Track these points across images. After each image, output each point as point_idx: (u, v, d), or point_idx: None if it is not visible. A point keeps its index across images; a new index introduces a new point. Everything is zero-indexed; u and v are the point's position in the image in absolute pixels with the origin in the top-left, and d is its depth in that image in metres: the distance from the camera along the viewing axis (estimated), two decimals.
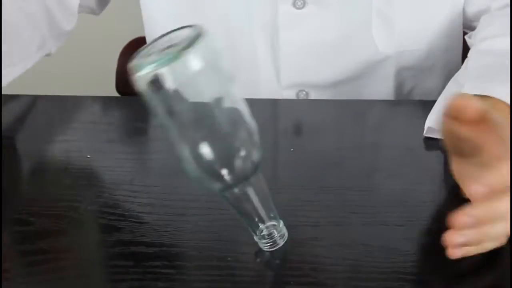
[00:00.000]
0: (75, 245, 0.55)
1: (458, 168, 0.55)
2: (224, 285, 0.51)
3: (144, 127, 0.74)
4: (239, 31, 0.81)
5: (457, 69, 0.72)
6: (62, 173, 0.65)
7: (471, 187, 0.48)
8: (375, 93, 0.83)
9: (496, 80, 0.62)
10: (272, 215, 0.52)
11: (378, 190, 0.61)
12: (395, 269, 0.51)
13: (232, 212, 0.51)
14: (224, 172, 0.49)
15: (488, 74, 0.64)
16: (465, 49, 0.80)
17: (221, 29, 0.81)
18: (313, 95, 0.84)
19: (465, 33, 0.82)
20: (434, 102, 0.67)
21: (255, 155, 0.50)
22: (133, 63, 0.47)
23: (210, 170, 0.49)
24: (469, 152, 0.51)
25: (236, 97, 0.50)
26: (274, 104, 0.77)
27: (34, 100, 0.77)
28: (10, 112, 0.74)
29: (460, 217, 0.48)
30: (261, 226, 0.51)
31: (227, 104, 0.49)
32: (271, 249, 0.52)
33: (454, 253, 0.49)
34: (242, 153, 0.49)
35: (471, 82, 0.63)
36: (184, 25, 0.50)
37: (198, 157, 0.48)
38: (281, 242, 0.52)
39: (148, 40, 0.90)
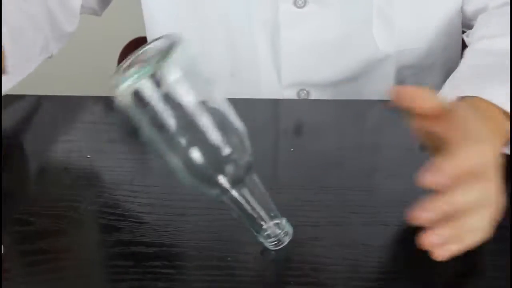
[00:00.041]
0: (75, 245, 0.55)
1: None
2: (224, 285, 0.51)
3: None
4: (239, 30, 0.81)
5: (456, 67, 0.72)
6: (62, 173, 0.65)
7: (426, 179, 0.47)
8: (375, 92, 0.83)
9: (489, 81, 0.61)
10: (272, 214, 0.52)
11: (378, 190, 0.61)
12: (395, 269, 0.51)
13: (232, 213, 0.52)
14: (218, 177, 0.49)
15: (483, 74, 0.64)
16: (464, 47, 0.80)
17: (221, 29, 0.81)
18: (314, 94, 0.84)
19: (463, 32, 0.82)
20: None
21: (246, 157, 0.50)
22: (113, 79, 0.47)
23: (203, 177, 0.49)
24: (442, 146, 0.50)
25: (219, 100, 0.51)
26: (274, 104, 0.77)
27: (34, 100, 0.77)
28: (10, 112, 0.74)
29: (420, 213, 0.47)
30: (264, 225, 0.51)
31: (210, 108, 0.49)
32: (277, 248, 0.52)
33: (439, 254, 0.48)
34: (233, 156, 0.49)
35: (466, 82, 0.63)
36: (165, 35, 0.50)
37: (189, 165, 0.49)
38: (286, 240, 0.52)
39: (149, 39, 0.90)
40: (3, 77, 0.69)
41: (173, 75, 0.47)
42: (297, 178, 0.62)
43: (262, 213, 0.51)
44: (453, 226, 0.48)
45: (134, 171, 0.65)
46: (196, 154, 0.48)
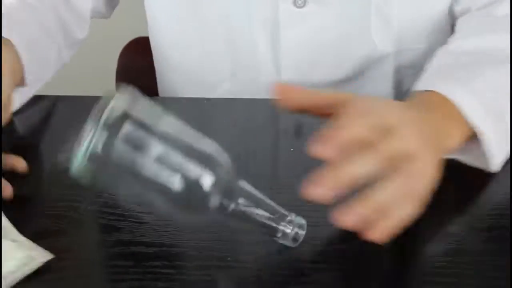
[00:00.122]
0: (75, 245, 0.55)
1: None
2: (224, 285, 0.51)
3: None
4: (239, 30, 0.81)
5: None
6: (62, 173, 0.64)
7: (315, 150, 0.46)
8: (375, 92, 0.83)
9: (443, 78, 0.61)
10: (278, 215, 0.51)
11: None
12: (395, 269, 0.51)
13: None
14: (206, 204, 0.49)
15: (443, 72, 0.63)
16: None
17: (221, 29, 0.81)
18: None
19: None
20: None
21: (225, 174, 0.50)
22: (66, 160, 0.49)
23: (192, 210, 0.50)
24: None
25: (178, 126, 0.51)
26: (274, 103, 0.77)
27: (34, 100, 0.77)
28: None
29: (314, 189, 0.46)
30: (276, 226, 0.51)
31: (172, 137, 0.50)
32: (297, 243, 0.52)
33: (370, 234, 0.47)
34: (212, 180, 0.49)
35: (425, 78, 0.63)
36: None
37: (173, 198, 0.49)
38: (302, 233, 0.52)
39: (151, 40, 0.90)
40: (23, 89, 0.69)
41: (121, 131, 0.48)
42: (297, 178, 0.62)
43: (268, 217, 0.51)
44: (367, 201, 0.47)
45: None
46: (175, 187, 0.49)
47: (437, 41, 0.82)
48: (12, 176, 0.60)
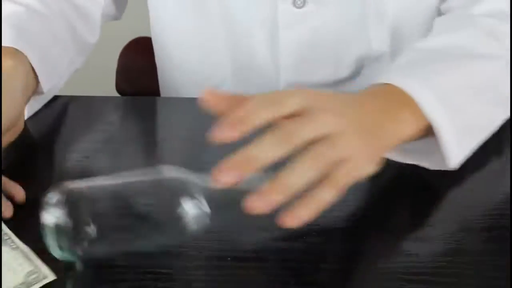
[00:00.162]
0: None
1: None
2: (224, 285, 0.51)
3: (144, 127, 0.74)
4: (239, 30, 0.81)
5: None
6: (62, 173, 0.65)
7: (215, 137, 0.46)
8: None
9: (401, 72, 0.61)
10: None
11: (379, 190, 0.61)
12: (395, 269, 0.51)
13: (232, 213, 0.51)
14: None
15: (402, 67, 0.63)
16: None
17: (222, 29, 0.82)
18: None
19: None
20: None
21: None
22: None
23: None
24: None
25: (131, 179, 0.52)
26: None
27: None
28: None
29: (222, 174, 0.45)
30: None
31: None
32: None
33: (290, 221, 0.47)
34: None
35: (384, 73, 0.62)
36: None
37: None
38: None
39: (153, 39, 0.90)
40: (38, 98, 0.69)
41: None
42: None
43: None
44: (278, 183, 0.46)
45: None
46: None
47: None
48: (11, 177, 0.60)
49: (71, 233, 0.49)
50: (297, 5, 0.78)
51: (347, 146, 0.49)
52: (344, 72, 0.82)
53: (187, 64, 0.87)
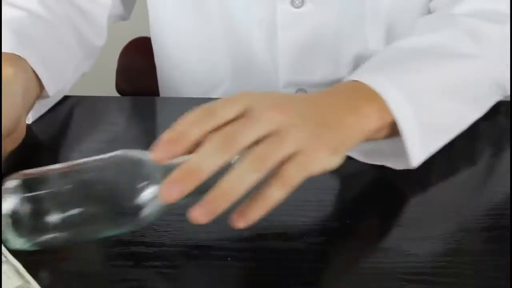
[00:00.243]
0: (75, 245, 0.54)
1: None
2: (224, 285, 0.51)
3: (144, 127, 0.74)
4: (238, 30, 0.81)
5: None
6: None
7: (157, 156, 0.46)
8: None
9: (371, 70, 0.61)
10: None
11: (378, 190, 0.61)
12: (395, 269, 0.51)
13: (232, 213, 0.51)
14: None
15: (373, 65, 0.63)
16: None
17: (221, 29, 0.82)
18: None
19: None
20: None
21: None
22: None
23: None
24: None
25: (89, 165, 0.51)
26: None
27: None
28: None
29: (168, 191, 0.45)
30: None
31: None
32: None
33: (240, 222, 0.47)
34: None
35: (356, 71, 0.62)
36: None
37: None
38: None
39: (153, 39, 0.90)
40: (43, 102, 0.69)
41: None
42: None
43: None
44: (219, 191, 0.46)
45: None
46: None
47: None
48: None
49: (29, 219, 0.48)
50: (295, 5, 0.78)
51: (295, 139, 0.48)
52: (342, 71, 0.82)
53: (186, 64, 0.87)
